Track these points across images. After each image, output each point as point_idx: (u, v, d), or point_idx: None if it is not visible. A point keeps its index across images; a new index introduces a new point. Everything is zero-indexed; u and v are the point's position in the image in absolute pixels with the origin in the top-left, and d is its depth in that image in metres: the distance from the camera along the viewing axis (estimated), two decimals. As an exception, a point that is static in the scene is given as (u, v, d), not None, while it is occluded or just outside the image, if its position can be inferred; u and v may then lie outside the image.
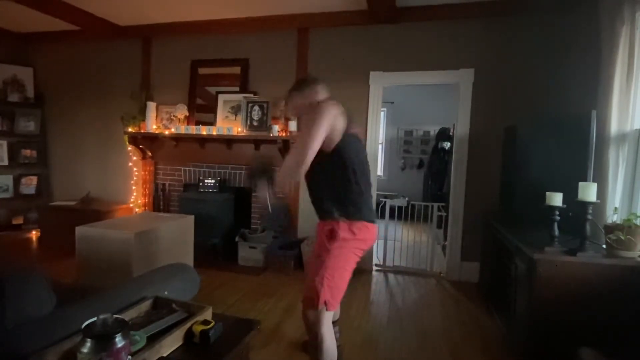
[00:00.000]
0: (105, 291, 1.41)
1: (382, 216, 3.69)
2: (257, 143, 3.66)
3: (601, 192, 1.98)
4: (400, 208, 3.89)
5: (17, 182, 4.41)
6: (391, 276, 3.46)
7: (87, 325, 0.91)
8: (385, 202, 3.71)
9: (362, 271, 3.49)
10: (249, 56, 3.80)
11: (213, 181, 3.82)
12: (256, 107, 3.63)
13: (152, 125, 3.88)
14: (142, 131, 3.91)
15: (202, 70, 3.97)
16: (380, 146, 5.65)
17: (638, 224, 1.74)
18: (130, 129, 3.92)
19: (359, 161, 1.60)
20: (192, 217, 3.15)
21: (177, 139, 3.88)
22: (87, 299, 1.29)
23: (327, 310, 1.55)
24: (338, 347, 1.66)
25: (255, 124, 3.61)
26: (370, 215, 1.63)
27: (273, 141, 3.49)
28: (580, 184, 1.78)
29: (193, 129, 3.76)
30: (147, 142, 4.01)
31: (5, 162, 4.32)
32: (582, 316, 1.76)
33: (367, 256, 3.59)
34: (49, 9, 3.48)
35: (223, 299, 2.73)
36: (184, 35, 3.95)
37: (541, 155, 2.44)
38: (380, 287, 3.18)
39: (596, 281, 1.74)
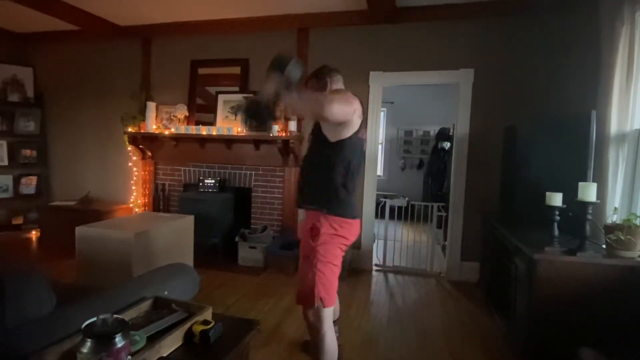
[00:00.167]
0: (105, 291, 1.41)
1: (382, 216, 3.69)
2: (257, 143, 3.66)
3: (601, 192, 1.98)
4: (400, 208, 3.89)
5: (17, 182, 4.41)
6: (391, 276, 3.46)
7: (87, 325, 0.91)
8: (385, 202, 3.71)
9: (362, 271, 3.50)
10: (249, 56, 3.80)
11: (213, 181, 3.82)
12: (256, 107, 3.62)
13: (152, 125, 3.88)
14: (142, 131, 3.91)
15: (202, 70, 3.97)
16: (380, 146, 5.66)
17: (638, 224, 1.75)
18: (130, 129, 3.92)
19: (357, 163, 1.60)
20: (192, 217, 3.15)
21: (177, 139, 3.88)
22: (87, 299, 1.29)
23: (324, 306, 1.55)
24: (338, 346, 1.67)
25: (255, 124, 3.60)
26: (352, 213, 1.62)
27: (273, 141, 3.50)
28: (580, 184, 1.78)
29: (193, 129, 3.76)
30: (147, 142, 4.01)
31: (5, 162, 4.32)
32: (582, 316, 1.76)
33: (367, 256, 3.60)
34: (49, 9, 3.48)
35: (223, 299, 2.73)
36: (184, 35, 3.95)
37: (541, 155, 2.44)
38: (380, 287, 3.18)
39: (596, 281, 1.74)
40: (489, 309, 2.69)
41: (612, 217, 1.94)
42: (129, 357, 0.95)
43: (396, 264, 3.64)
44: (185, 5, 3.39)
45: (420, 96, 6.47)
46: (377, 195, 3.64)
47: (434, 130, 6.32)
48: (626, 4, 2.01)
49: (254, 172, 3.80)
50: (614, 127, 2.05)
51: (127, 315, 1.23)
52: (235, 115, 1.54)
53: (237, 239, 3.56)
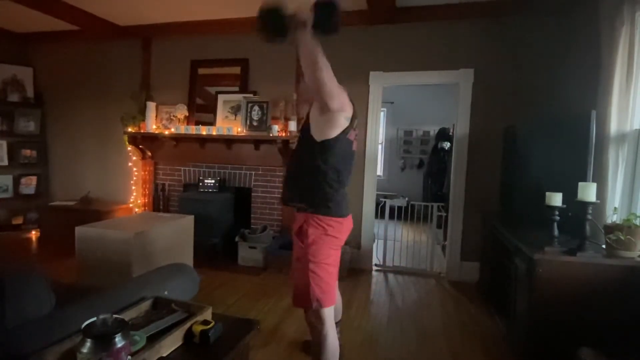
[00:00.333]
0: (105, 291, 1.41)
1: (382, 216, 3.69)
2: (256, 143, 3.66)
3: (601, 192, 1.98)
4: (400, 208, 3.89)
5: (17, 182, 4.41)
6: (391, 276, 3.46)
7: (87, 325, 0.91)
8: (385, 202, 3.71)
9: (362, 271, 3.50)
10: (248, 56, 3.80)
11: (213, 181, 3.82)
12: (256, 107, 3.63)
13: (152, 125, 3.88)
14: (142, 131, 3.91)
15: (202, 70, 3.97)
16: (380, 146, 5.66)
17: (638, 224, 1.75)
18: (130, 129, 3.92)
19: (344, 163, 1.57)
20: (192, 217, 3.15)
21: (177, 139, 3.88)
22: (87, 299, 1.29)
23: (322, 307, 1.54)
24: (339, 346, 1.66)
25: (255, 124, 3.61)
26: (340, 211, 1.58)
27: (273, 141, 3.50)
28: (580, 184, 1.78)
29: (193, 129, 3.76)
30: (146, 142, 4.01)
31: (5, 162, 4.32)
32: (582, 316, 1.76)
33: (367, 256, 3.60)
34: (48, 9, 3.48)
35: (223, 299, 2.73)
36: (184, 35, 3.95)
37: (541, 155, 2.44)
38: (380, 287, 3.18)
39: (596, 281, 1.74)
40: (489, 309, 2.69)
41: (612, 217, 1.94)
42: (129, 357, 0.95)
43: (396, 264, 3.64)
44: (185, 5, 3.39)
45: (420, 96, 6.47)
46: (377, 195, 3.64)
47: (433, 130, 6.32)
48: (626, 4, 2.01)
49: (253, 172, 3.80)
50: (613, 127, 2.05)
51: (127, 315, 1.23)
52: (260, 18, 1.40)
53: (237, 239, 3.56)
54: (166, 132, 3.80)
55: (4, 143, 4.33)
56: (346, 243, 3.29)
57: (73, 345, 0.97)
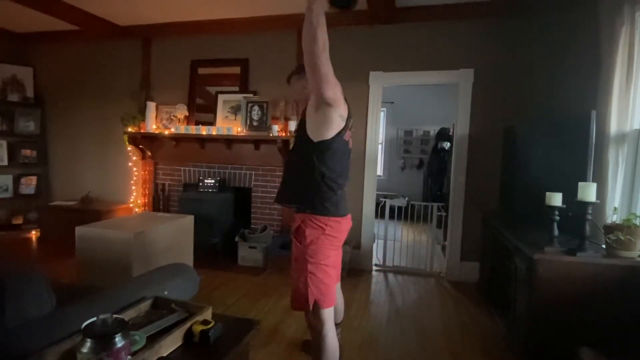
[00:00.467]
0: (105, 291, 1.41)
1: (382, 216, 3.69)
2: (256, 143, 3.66)
3: (601, 192, 1.98)
4: (400, 208, 3.89)
5: (16, 182, 4.41)
6: (391, 276, 3.46)
7: (87, 325, 0.91)
8: (385, 202, 3.71)
9: (362, 271, 3.50)
10: (249, 56, 3.80)
11: (213, 181, 3.82)
12: (256, 107, 3.63)
13: (151, 125, 3.88)
14: (142, 131, 3.91)
15: (202, 70, 3.97)
16: (380, 146, 5.66)
17: (638, 224, 1.75)
18: (130, 129, 3.92)
19: (341, 163, 1.56)
20: (192, 217, 3.15)
21: (177, 139, 3.88)
22: (87, 299, 1.29)
23: (321, 308, 1.53)
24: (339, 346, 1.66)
25: (255, 124, 3.61)
26: (338, 211, 1.57)
27: (273, 141, 3.50)
28: (580, 184, 1.78)
29: (193, 129, 3.76)
30: (146, 142, 4.01)
31: (5, 162, 4.32)
32: (582, 316, 1.76)
33: (367, 256, 3.60)
34: (48, 9, 3.48)
35: (223, 299, 2.73)
36: (184, 35, 3.95)
37: (541, 155, 2.44)
38: (380, 287, 3.18)
39: (596, 281, 1.74)
40: (489, 309, 2.69)
41: (612, 217, 1.94)
42: (129, 357, 0.95)
43: (396, 264, 3.64)
44: (185, 5, 3.39)
45: (420, 96, 6.48)
46: (377, 195, 3.64)
47: (434, 130, 6.33)
48: (626, 3, 2.01)
49: (253, 172, 3.80)
50: (613, 127, 2.05)
51: (127, 315, 1.23)
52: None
53: (237, 238, 3.56)
54: (166, 132, 3.80)
55: (4, 143, 4.33)
56: (346, 243, 3.29)
57: (73, 345, 0.97)
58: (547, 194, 1.87)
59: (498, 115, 3.18)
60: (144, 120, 3.93)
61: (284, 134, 3.48)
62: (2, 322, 1.01)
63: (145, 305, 1.34)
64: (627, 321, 1.71)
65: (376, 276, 3.45)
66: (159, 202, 4.05)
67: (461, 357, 2.12)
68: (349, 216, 1.67)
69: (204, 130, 3.69)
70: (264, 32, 3.72)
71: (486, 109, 3.24)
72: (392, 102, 6.68)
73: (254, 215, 3.82)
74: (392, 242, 3.66)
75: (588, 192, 1.74)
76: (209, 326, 1.22)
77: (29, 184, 4.47)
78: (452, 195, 3.39)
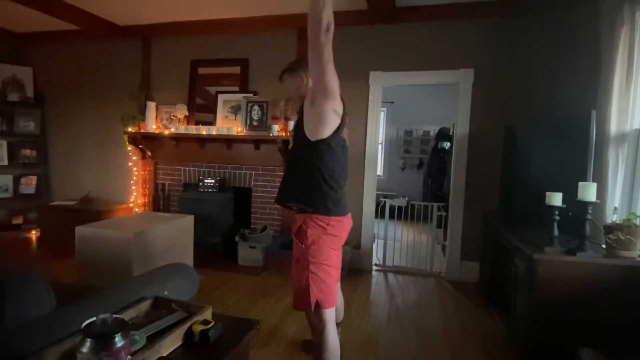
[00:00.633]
0: (105, 291, 1.41)
1: (382, 216, 3.69)
2: (256, 143, 3.66)
3: (601, 192, 1.98)
4: (400, 208, 3.89)
5: (16, 182, 4.41)
6: (391, 276, 3.46)
7: (87, 325, 0.91)
8: (385, 202, 3.71)
9: (362, 271, 3.50)
10: (249, 56, 3.80)
11: (213, 181, 3.82)
12: (256, 107, 3.63)
13: (151, 125, 3.88)
14: (142, 131, 3.91)
15: (202, 70, 3.97)
16: (380, 146, 5.66)
17: (638, 223, 1.75)
18: (130, 129, 3.92)
19: (341, 162, 1.56)
20: (192, 217, 3.15)
21: (177, 138, 3.88)
22: (87, 299, 1.29)
23: (323, 308, 1.53)
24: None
25: (255, 123, 3.61)
26: (339, 210, 1.57)
27: (273, 141, 3.50)
28: (580, 183, 1.78)
29: (193, 129, 3.76)
30: (146, 142, 4.01)
31: (5, 162, 4.32)
32: (582, 316, 1.76)
33: (367, 256, 3.60)
34: (48, 9, 3.48)
35: (223, 299, 2.73)
36: (184, 35, 3.95)
37: (541, 155, 2.44)
38: (380, 287, 3.18)
39: (596, 281, 1.74)
40: (489, 309, 2.69)
41: (612, 217, 1.94)
42: (129, 357, 0.95)
43: (396, 263, 3.64)
44: (185, 5, 3.39)
45: (420, 96, 6.48)
46: (377, 195, 3.64)
47: (434, 130, 6.33)
48: (626, 4, 2.01)
49: (253, 172, 3.80)
50: (614, 127, 2.05)
51: (127, 315, 1.23)
52: None
53: (237, 238, 3.56)
54: (166, 132, 3.80)
55: (4, 143, 4.33)
56: (346, 243, 3.28)
57: (73, 345, 0.97)
58: (547, 193, 1.87)
59: (498, 115, 3.18)
60: (144, 120, 3.93)
61: (284, 134, 3.48)
62: (2, 322, 1.01)
63: (145, 305, 1.34)
64: (627, 321, 1.71)
65: (376, 276, 3.45)
66: (159, 202, 4.05)
67: (461, 357, 2.12)
68: (350, 215, 1.67)
69: (204, 130, 3.69)
70: (264, 32, 3.72)
71: (486, 108, 3.24)
72: (392, 102, 6.68)
73: (254, 215, 3.82)
74: (392, 242, 3.66)
75: (588, 192, 1.74)
76: (209, 326, 1.22)
77: (29, 184, 4.47)
78: (452, 195, 3.39)
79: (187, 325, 1.22)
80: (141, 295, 1.39)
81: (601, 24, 2.20)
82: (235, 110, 3.79)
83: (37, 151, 4.51)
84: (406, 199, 5.49)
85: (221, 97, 3.85)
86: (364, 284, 3.22)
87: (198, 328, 1.21)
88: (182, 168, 4.04)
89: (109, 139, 4.32)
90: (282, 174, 1.72)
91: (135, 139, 3.95)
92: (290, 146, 1.68)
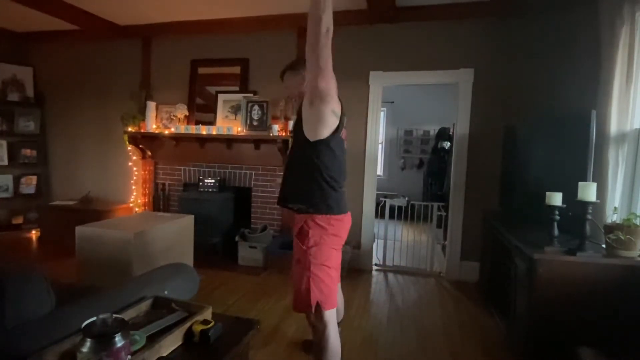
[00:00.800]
0: (105, 291, 1.41)
1: (382, 216, 3.69)
2: (257, 143, 3.66)
3: (601, 192, 1.98)
4: (400, 208, 3.89)
5: (17, 181, 4.41)
6: (391, 276, 3.46)
7: (87, 325, 0.91)
8: (385, 201, 3.71)
9: (362, 271, 3.50)
10: (249, 56, 3.80)
11: (213, 181, 3.82)
12: (256, 107, 3.63)
13: (152, 124, 3.88)
14: (142, 131, 3.91)
15: (202, 70, 3.97)
16: (380, 146, 5.65)
17: (638, 223, 1.75)
18: (130, 129, 3.92)
19: (337, 163, 1.56)
20: (192, 216, 3.15)
21: (177, 138, 3.88)
22: (87, 299, 1.29)
23: (324, 309, 1.53)
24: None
25: (255, 123, 3.61)
26: (339, 208, 1.57)
27: (273, 141, 3.50)
28: (580, 183, 1.78)
29: (193, 129, 3.76)
30: (147, 142, 4.02)
31: (5, 162, 4.32)
32: (582, 316, 1.76)
33: (367, 256, 3.60)
34: (48, 9, 3.48)
35: (223, 299, 2.73)
36: (184, 35, 3.95)
37: (541, 155, 2.44)
38: (380, 287, 3.18)
39: (596, 281, 1.74)
40: (489, 309, 2.69)
41: (612, 216, 1.94)
42: (129, 356, 0.95)
43: (396, 263, 3.64)
44: (185, 5, 3.39)
45: (420, 96, 6.47)
46: (377, 194, 3.63)
47: (434, 130, 6.33)
48: (626, 3, 2.01)
49: (254, 172, 3.80)
50: (614, 127, 2.05)
51: (127, 315, 1.23)
52: None
53: (237, 238, 3.56)
54: (166, 132, 3.80)
55: (4, 143, 4.33)
56: (346, 243, 3.29)
57: (73, 345, 0.97)
58: (547, 193, 1.87)
59: (498, 115, 3.18)
60: (144, 120, 3.93)
61: (284, 134, 3.48)
62: (2, 322, 1.01)
63: (145, 305, 1.34)
64: (627, 321, 1.71)
65: (376, 276, 3.45)
66: (159, 201, 4.05)
67: (461, 357, 2.12)
68: (349, 214, 1.67)
69: (204, 130, 3.69)
70: (264, 31, 3.72)
71: (486, 108, 3.24)
72: (392, 102, 6.68)
73: (254, 215, 3.82)
74: (392, 242, 3.66)
75: (588, 191, 1.74)
76: (209, 326, 1.22)
77: (29, 184, 4.47)
78: (452, 195, 3.38)
79: (187, 325, 1.22)
80: (141, 295, 1.39)
81: (601, 24, 2.20)
82: (235, 110, 3.79)
83: (37, 151, 4.51)
84: (406, 198, 5.49)
85: (221, 97, 3.85)
86: (364, 284, 3.22)
87: (198, 328, 1.21)
88: (182, 168, 4.04)
89: (109, 138, 4.32)
90: (282, 175, 1.72)
91: (135, 139, 3.95)
92: (289, 146, 1.68)
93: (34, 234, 4.27)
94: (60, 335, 1.04)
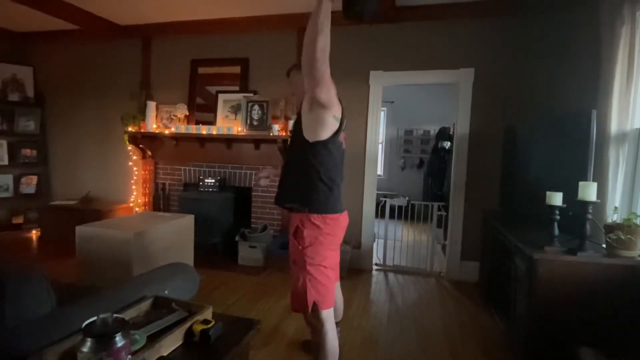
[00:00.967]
0: (105, 291, 1.41)
1: (382, 216, 3.69)
2: (257, 142, 3.66)
3: (601, 192, 1.98)
4: (400, 207, 3.89)
5: (17, 181, 4.41)
6: (391, 275, 3.45)
7: (87, 324, 0.91)
8: (385, 201, 3.71)
9: (362, 271, 3.50)
10: (249, 55, 3.80)
11: (213, 181, 3.82)
12: (256, 107, 3.62)
13: (152, 124, 3.88)
14: (142, 131, 3.91)
15: (202, 70, 3.97)
16: (380, 146, 5.65)
17: (638, 223, 1.75)
18: (130, 129, 3.92)
19: (335, 164, 1.57)
20: (192, 216, 3.15)
21: (177, 138, 3.88)
22: (87, 298, 1.29)
23: (321, 309, 1.53)
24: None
25: (255, 123, 3.61)
26: (335, 207, 1.58)
27: (273, 140, 3.50)
28: (581, 183, 1.78)
29: (193, 129, 3.76)
30: (147, 142, 4.02)
31: (5, 162, 4.32)
32: (582, 316, 1.76)
33: (367, 256, 3.60)
34: (48, 9, 3.48)
35: (223, 299, 2.73)
36: (184, 35, 3.95)
37: (541, 155, 2.44)
38: (380, 287, 3.18)
39: (596, 281, 1.74)
40: (489, 309, 2.69)
41: (613, 216, 1.94)
42: (129, 356, 0.94)
43: (396, 263, 3.64)
44: (185, 5, 3.39)
45: (420, 96, 6.47)
46: (377, 194, 3.63)
47: (434, 129, 6.33)
48: (626, 3, 2.01)
49: (254, 172, 3.80)
50: (614, 127, 2.05)
51: (127, 315, 1.23)
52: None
53: (237, 238, 3.56)
54: (166, 132, 3.80)
55: (4, 143, 4.33)
56: (346, 242, 3.30)
57: (73, 345, 0.97)
58: (548, 193, 1.87)
59: (498, 115, 3.18)
60: (144, 119, 3.93)
61: (284, 134, 3.48)
62: (2, 322, 1.01)
63: (145, 305, 1.34)
64: (627, 321, 1.71)
65: (376, 276, 3.45)
66: (159, 201, 4.05)
67: (461, 357, 2.12)
68: (346, 213, 1.67)
69: (204, 130, 3.69)
70: (264, 31, 3.72)
71: (486, 108, 3.24)
72: (392, 102, 6.68)
73: (254, 215, 3.82)
74: (392, 242, 3.66)
75: (588, 191, 1.74)
76: (209, 326, 1.22)
77: (29, 184, 4.47)
78: (452, 195, 3.38)
79: (188, 324, 1.22)
80: (141, 295, 1.39)
81: (601, 24, 2.20)
82: (236, 109, 3.79)
83: (37, 151, 4.51)
84: (406, 198, 5.49)
85: (221, 97, 3.85)
86: (364, 284, 3.22)
87: (198, 327, 1.21)
88: (182, 168, 4.04)
89: (109, 138, 4.32)
90: (280, 175, 1.72)
91: (135, 139, 3.95)
92: (287, 149, 1.68)
93: (34, 234, 4.27)
94: (60, 335, 1.03)
